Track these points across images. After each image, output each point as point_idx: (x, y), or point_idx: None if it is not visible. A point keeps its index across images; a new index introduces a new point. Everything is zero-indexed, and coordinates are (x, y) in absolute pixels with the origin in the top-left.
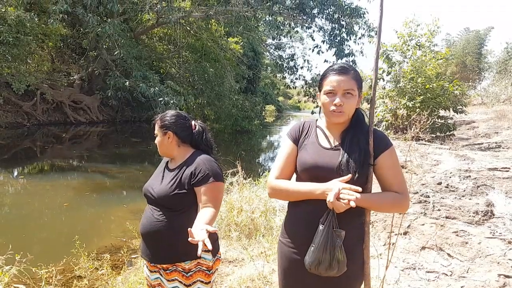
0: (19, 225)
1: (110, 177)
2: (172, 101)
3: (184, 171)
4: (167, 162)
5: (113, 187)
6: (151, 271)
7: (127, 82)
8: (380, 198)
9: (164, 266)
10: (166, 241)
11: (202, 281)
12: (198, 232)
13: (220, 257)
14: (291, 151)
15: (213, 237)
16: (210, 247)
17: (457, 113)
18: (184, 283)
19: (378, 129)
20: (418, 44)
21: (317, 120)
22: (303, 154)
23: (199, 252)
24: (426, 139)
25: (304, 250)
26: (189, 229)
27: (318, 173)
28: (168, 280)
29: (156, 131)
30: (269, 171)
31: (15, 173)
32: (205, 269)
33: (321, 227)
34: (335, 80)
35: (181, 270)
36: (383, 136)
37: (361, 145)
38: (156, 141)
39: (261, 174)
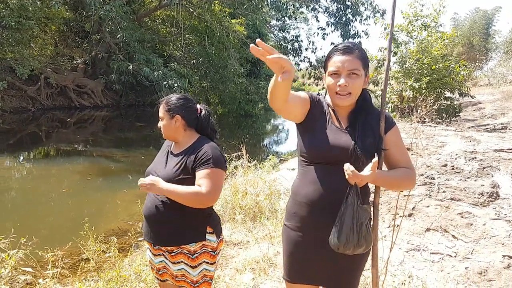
0: (26, 209)
1: (115, 161)
2: (176, 84)
3: (189, 156)
4: (170, 146)
5: (119, 171)
6: (155, 254)
7: (131, 66)
8: (393, 174)
9: (169, 248)
10: (171, 223)
11: (207, 262)
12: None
13: (223, 238)
14: (304, 100)
15: (215, 219)
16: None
17: (462, 97)
18: (190, 264)
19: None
20: (424, 24)
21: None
22: (321, 134)
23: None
24: (432, 120)
25: (309, 233)
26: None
27: (334, 153)
28: (173, 263)
29: (161, 114)
30: (273, 155)
31: (21, 158)
32: (210, 250)
33: (344, 205)
34: (339, 60)
35: (186, 252)
36: (388, 115)
37: (375, 129)
38: (161, 125)
39: (265, 157)
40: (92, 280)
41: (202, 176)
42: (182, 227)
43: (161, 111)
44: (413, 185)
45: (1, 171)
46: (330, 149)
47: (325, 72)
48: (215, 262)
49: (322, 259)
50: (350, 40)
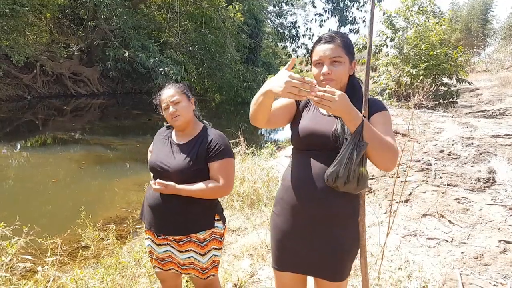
0: (24, 197)
1: (112, 149)
2: (172, 71)
3: (200, 146)
4: (169, 136)
5: (116, 159)
6: (158, 244)
7: (127, 53)
8: (378, 132)
9: (177, 238)
10: (181, 213)
11: (216, 248)
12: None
13: (226, 225)
14: (289, 104)
15: (221, 208)
16: (156, 186)
17: (460, 83)
18: (199, 252)
19: (382, 97)
20: (421, 8)
21: None
22: (303, 121)
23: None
24: (429, 106)
25: (294, 219)
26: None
27: (315, 139)
28: (181, 252)
29: (178, 97)
30: (271, 142)
31: (18, 146)
32: (218, 237)
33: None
34: (321, 49)
35: (195, 240)
36: (377, 101)
37: None
38: (179, 107)
39: (263, 145)
40: (91, 267)
41: (217, 168)
42: (191, 216)
43: (176, 95)
44: (393, 161)
45: None
46: (311, 135)
47: (311, 63)
48: (221, 248)
49: (309, 246)
50: (348, 26)
